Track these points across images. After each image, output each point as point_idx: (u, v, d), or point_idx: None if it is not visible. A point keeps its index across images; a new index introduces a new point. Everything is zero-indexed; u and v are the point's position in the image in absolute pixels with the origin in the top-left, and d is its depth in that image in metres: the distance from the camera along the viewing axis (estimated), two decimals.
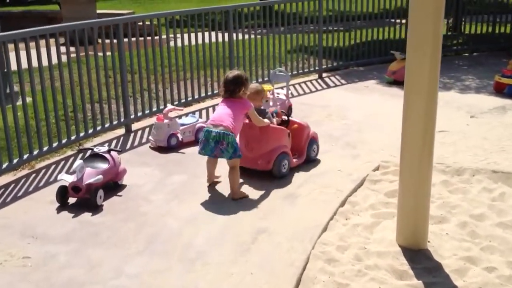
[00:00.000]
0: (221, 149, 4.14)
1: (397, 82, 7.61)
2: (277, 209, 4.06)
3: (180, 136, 5.41)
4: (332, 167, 4.81)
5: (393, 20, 9.37)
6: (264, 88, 6.05)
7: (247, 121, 4.48)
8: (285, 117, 4.86)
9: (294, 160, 4.74)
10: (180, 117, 5.91)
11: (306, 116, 6.35)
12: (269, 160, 4.49)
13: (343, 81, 8.08)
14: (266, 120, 4.51)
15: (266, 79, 7.69)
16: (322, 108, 6.65)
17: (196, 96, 6.87)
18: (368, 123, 6.04)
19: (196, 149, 4.70)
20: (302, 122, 4.93)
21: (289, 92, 6.42)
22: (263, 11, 7.50)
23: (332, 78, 8.31)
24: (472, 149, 5.07)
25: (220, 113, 4.24)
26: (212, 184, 4.50)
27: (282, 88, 6.94)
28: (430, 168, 3.46)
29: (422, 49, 3.21)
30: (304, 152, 4.84)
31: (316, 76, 8.36)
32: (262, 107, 4.71)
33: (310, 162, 4.91)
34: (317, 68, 8.33)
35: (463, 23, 10.70)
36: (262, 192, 4.35)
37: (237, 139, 4.29)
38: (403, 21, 9.25)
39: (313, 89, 7.69)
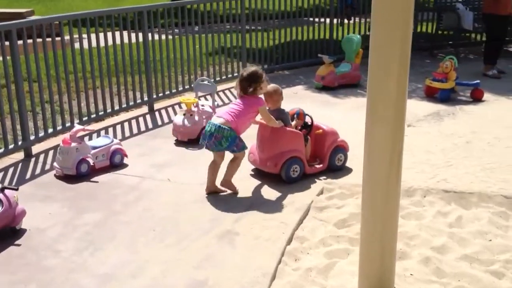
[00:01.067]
0: (214, 141, 4.07)
1: (327, 88, 7.20)
2: (215, 254, 3.42)
3: (91, 161, 4.61)
4: (272, 193, 4.25)
5: (311, 19, 8.95)
6: (187, 101, 5.40)
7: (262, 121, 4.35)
8: (309, 120, 4.68)
9: (317, 166, 4.56)
10: (91, 138, 5.10)
11: None
12: (276, 163, 4.34)
13: None
14: (278, 122, 4.33)
15: (187, 87, 7.00)
16: None
17: (109, 109, 6.05)
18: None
19: (112, 176, 4.12)
20: (327, 128, 4.68)
21: (215, 103, 5.77)
22: (180, 11, 6.77)
23: None
24: (418, 165, 4.70)
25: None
26: (211, 194, 4.21)
27: (207, 98, 6.30)
28: (398, 200, 2.98)
29: (387, 65, 2.70)
30: (326, 160, 4.58)
31: None
32: (281, 108, 4.50)
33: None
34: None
35: None
36: (195, 229, 3.70)
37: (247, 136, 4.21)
38: (321, 20, 8.86)
39: None
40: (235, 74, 7.65)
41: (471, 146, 5.13)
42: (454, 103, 6.52)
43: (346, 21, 9.50)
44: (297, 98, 6.95)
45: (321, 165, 4.58)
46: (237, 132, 4.15)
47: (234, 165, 4.25)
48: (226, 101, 6.92)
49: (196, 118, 5.32)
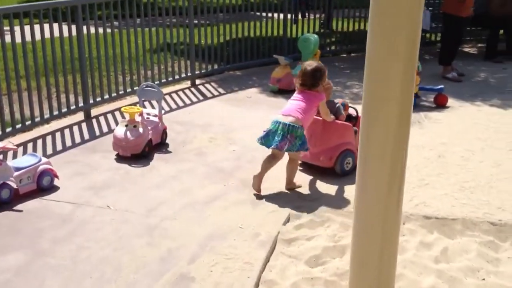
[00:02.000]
0: (289, 142, 3.96)
1: (283, 91, 6.66)
2: None
3: (14, 185, 3.86)
4: (232, 223, 3.66)
5: (258, 14, 8.33)
6: (130, 110, 4.72)
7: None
8: (353, 112, 4.63)
9: None
10: (15, 156, 4.33)
11: (184, 140, 5.12)
12: (331, 156, 4.32)
13: (221, 90, 6.92)
14: (332, 116, 4.34)
15: (129, 90, 6.27)
16: (203, 129, 5.45)
17: (38, 118, 5.25)
18: (264, 149, 4.96)
19: (40, 203, 3.56)
20: None
21: (162, 111, 5.10)
22: (120, 1, 6.02)
23: (208, 86, 7.11)
24: None
25: (291, 105, 4.12)
26: (259, 195, 4.03)
27: (153, 105, 5.61)
28: (398, 225, 2.50)
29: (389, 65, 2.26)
30: None
31: (189, 83, 7.11)
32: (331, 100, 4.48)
33: (204, 217, 3.73)
34: (189, 74, 7.08)
35: (334, 19, 10.04)
36: (141, 275, 3.06)
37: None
38: (269, 14, 8.26)
39: (187, 102, 6.44)
40: (183, 75, 6.98)
41: (444, 160, 4.72)
42: (418, 109, 6.12)
43: (300, 17, 9.01)
44: (252, 103, 6.39)
45: None
46: (304, 129, 4.07)
47: (293, 165, 4.17)
48: (174, 106, 6.24)
49: (141, 130, 4.64)
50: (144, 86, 5.10)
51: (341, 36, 9.30)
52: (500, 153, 4.86)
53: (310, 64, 4.23)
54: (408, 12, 2.24)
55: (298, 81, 4.22)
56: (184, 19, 6.97)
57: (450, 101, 6.37)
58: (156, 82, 6.50)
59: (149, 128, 4.76)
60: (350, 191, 4.08)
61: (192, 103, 6.39)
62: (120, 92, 6.17)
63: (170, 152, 4.88)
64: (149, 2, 6.57)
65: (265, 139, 4.07)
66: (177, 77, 6.93)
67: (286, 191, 4.15)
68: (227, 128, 5.47)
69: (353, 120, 4.60)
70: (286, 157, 4.18)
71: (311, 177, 4.37)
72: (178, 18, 7.03)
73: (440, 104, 6.28)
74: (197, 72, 7.16)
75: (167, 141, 5.05)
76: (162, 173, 4.44)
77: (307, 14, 9.06)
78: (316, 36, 6.95)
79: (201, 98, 6.58)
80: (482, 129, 5.50)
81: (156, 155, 4.77)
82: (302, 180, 4.29)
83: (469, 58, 8.88)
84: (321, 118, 4.33)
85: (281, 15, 8.25)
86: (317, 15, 9.56)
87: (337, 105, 4.47)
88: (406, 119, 2.41)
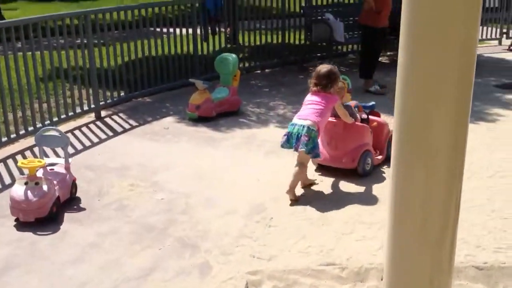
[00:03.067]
0: (303, 141, 4.04)
1: (203, 119, 5.97)
2: None
3: None
4: None
5: (152, 29, 7.21)
6: (28, 165, 3.80)
7: (331, 119, 4.41)
8: (364, 115, 4.68)
9: (378, 157, 4.67)
10: None
11: (99, 191, 4.28)
12: (353, 158, 4.43)
13: (132, 122, 6.05)
14: (351, 119, 4.43)
15: (22, 132, 5.25)
16: (119, 173, 4.61)
17: None
18: (200, 194, 4.24)
19: None
20: (381, 120, 4.86)
21: (70, 160, 4.20)
22: None
23: (116, 118, 6.20)
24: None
25: (307, 109, 4.21)
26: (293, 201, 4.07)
27: (58, 152, 4.66)
28: None
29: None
30: (384, 150, 4.73)
31: (93, 116, 6.17)
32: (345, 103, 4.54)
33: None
34: (92, 105, 6.14)
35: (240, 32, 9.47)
36: None
37: (320, 136, 4.24)
38: (171, 30, 7.45)
39: (95, 139, 5.50)
40: (85, 107, 6.03)
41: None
42: None
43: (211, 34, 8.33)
44: (171, 135, 5.62)
45: (381, 156, 4.70)
46: (319, 133, 4.17)
47: (300, 171, 4.17)
48: (79, 147, 5.29)
49: (45, 187, 3.73)
50: (44, 131, 4.17)
51: (250, 51, 8.76)
52: None
53: (324, 66, 4.32)
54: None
55: (312, 82, 4.29)
56: (74, 39, 5.91)
57: (382, 116, 6.00)
58: (54, 120, 5.54)
59: (55, 182, 3.86)
60: (321, 234, 3.50)
61: (101, 140, 5.48)
62: (12, 136, 5.13)
63: (83, 209, 4.00)
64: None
65: (288, 143, 4.15)
66: (78, 110, 5.97)
67: (237, 249, 3.48)
68: (148, 170, 4.68)
69: (365, 122, 4.65)
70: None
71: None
72: (67, 38, 5.90)
73: None
74: (101, 102, 6.25)
75: (77, 195, 4.17)
76: (78, 239, 3.58)
77: (217, 30, 8.40)
78: (234, 55, 6.35)
79: (110, 133, 5.68)
80: None
81: (66, 216, 3.88)
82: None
83: (384, 68, 8.64)
84: (340, 121, 4.41)
85: (183, 30, 7.46)
86: (222, 29, 8.98)
87: (353, 108, 4.51)
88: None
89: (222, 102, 6.14)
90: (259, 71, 8.69)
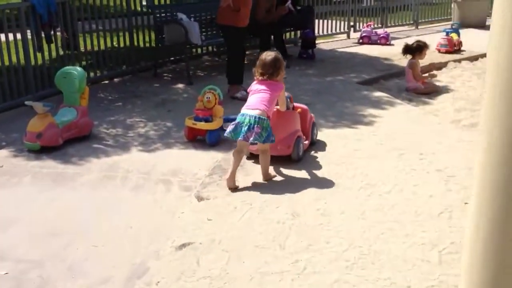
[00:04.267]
0: (256, 133, 4.07)
1: (48, 149, 4.86)
2: None
3: None
4: None
5: None
6: None
7: None
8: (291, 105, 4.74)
9: (305, 142, 4.77)
10: None
11: None
12: (289, 144, 4.50)
13: None
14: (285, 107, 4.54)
15: None
16: None
17: None
18: (58, 259, 3.21)
19: None
20: (304, 106, 4.98)
21: None
22: None
23: None
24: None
25: (256, 98, 4.24)
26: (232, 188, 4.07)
27: None
28: None
29: None
30: (309, 135, 4.88)
31: None
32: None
33: None
34: None
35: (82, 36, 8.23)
36: None
37: None
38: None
39: None
40: None
41: (299, 229, 3.67)
42: (227, 147, 5.05)
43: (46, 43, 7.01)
44: (7, 176, 4.43)
45: (307, 141, 4.84)
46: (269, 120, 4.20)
47: (265, 157, 4.24)
48: None
49: None
50: None
51: (94, 57, 7.54)
52: (354, 195, 4.05)
53: (268, 54, 4.34)
54: None
55: (258, 71, 4.30)
56: None
57: None
58: None
59: None
60: None
61: None
62: None
63: None
64: None
65: (234, 132, 4.14)
66: None
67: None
68: None
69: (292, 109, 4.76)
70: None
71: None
72: None
73: None
74: None
75: None
76: None
77: (54, 39, 7.11)
78: (80, 69, 5.31)
79: None
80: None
81: None
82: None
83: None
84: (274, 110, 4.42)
85: (10, 36, 6.14)
86: (59, 32, 7.70)
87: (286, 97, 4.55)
88: None
89: (70, 126, 5.07)
90: (107, 81, 7.63)
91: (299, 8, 8.99)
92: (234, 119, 5.32)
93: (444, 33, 9.37)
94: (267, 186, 4.18)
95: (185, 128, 5.22)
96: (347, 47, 9.99)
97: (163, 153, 4.97)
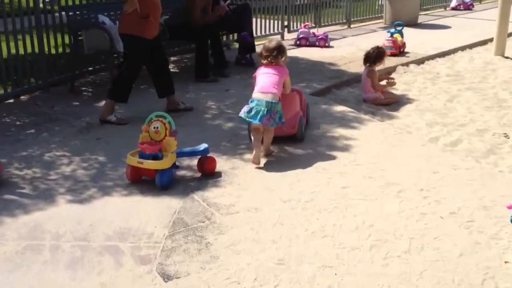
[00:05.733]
0: (272, 118, 4.30)
1: None
2: None
3: None
4: None
5: None
6: None
7: None
8: None
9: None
10: None
11: None
12: (294, 124, 4.73)
13: None
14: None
15: None
16: None
17: None
18: None
19: None
20: (297, 88, 5.18)
21: None
22: None
23: None
24: None
25: (266, 81, 4.43)
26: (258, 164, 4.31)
27: None
28: None
29: None
30: (305, 115, 5.05)
31: None
32: None
33: None
34: None
35: None
36: None
37: None
38: None
39: None
40: None
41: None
42: (183, 189, 4.01)
43: None
44: None
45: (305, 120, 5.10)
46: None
47: (269, 135, 4.46)
48: None
49: None
50: None
51: None
52: (368, 259, 3.18)
53: (273, 39, 4.73)
54: None
55: (263, 55, 4.51)
56: None
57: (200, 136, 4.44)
58: None
59: None
60: None
61: None
62: None
63: None
64: None
65: (250, 114, 4.29)
66: None
67: None
68: None
69: None
70: None
71: None
72: None
73: (207, 172, 4.27)
74: None
75: None
76: None
77: None
78: None
79: None
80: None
81: None
82: None
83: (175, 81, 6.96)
84: None
85: None
86: None
87: None
88: None
89: None
90: (11, 100, 6.22)
91: (232, 7, 7.98)
92: (189, 153, 4.33)
93: (389, 34, 8.79)
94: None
95: (127, 167, 4.10)
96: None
97: (100, 203, 3.81)
